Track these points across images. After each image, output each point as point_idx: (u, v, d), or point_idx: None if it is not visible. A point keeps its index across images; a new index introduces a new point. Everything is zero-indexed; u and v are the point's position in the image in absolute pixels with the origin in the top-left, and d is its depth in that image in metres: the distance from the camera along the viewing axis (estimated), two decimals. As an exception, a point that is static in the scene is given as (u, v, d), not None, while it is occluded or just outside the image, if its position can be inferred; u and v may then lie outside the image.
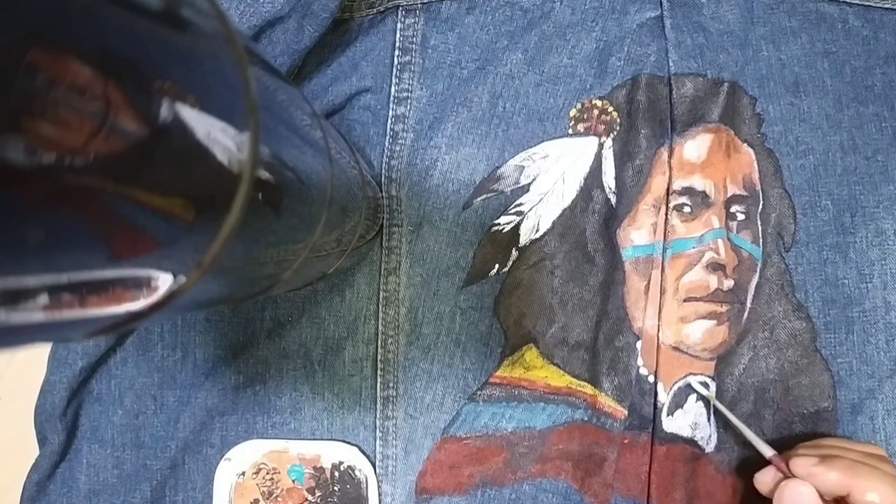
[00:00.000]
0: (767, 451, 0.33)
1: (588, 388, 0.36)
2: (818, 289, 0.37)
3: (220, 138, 0.12)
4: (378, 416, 0.37)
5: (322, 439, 0.37)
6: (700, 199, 0.37)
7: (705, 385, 0.36)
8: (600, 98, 0.38)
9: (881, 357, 0.36)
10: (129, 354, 0.38)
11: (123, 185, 0.11)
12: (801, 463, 0.32)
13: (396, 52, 0.38)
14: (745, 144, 0.38)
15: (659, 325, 0.36)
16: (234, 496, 0.36)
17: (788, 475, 0.32)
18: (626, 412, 0.36)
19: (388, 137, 0.38)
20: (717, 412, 0.36)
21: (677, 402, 0.36)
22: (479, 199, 0.37)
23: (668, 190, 0.37)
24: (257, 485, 0.37)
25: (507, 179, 0.37)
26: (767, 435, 0.36)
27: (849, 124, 0.38)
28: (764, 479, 0.33)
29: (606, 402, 0.36)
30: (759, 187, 0.37)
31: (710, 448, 0.36)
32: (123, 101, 0.10)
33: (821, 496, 0.31)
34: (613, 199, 0.37)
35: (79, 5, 0.09)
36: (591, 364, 0.36)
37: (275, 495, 0.37)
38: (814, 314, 0.37)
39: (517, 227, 0.37)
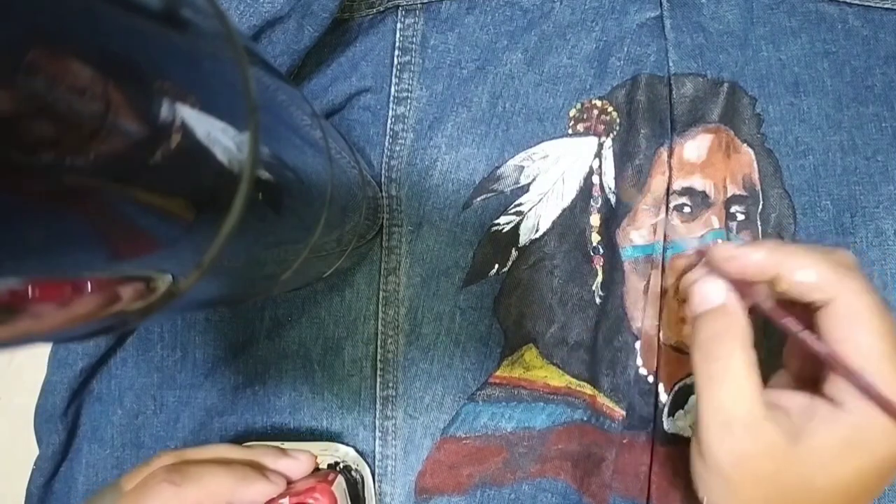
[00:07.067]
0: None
1: (587, 388, 0.36)
2: (818, 289, 0.37)
3: (220, 138, 0.12)
4: (377, 416, 0.37)
5: (321, 439, 0.37)
6: (700, 200, 0.37)
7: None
8: (600, 98, 0.38)
9: (881, 357, 0.36)
10: (129, 354, 0.38)
11: (123, 185, 0.11)
12: (724, 246, 0.27)
13: (396, 52, 0.38)
14: (745, 144, 0.38)
15: (659, 326, 0.36)
16: None
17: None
18: (623, 412, 0.36)
19: (388, 137, 0.38)
20: None
21: (678, 403, 0.36)
22: (478, 199, 0.37)
23: (667, 190, 0.37)
24: None
25: (506, 179, 0.37)
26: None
27: (849, 124, 0.38)
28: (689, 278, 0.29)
29: (605, 402, 0.36)
30: (758, 187, 0.37)
31: (709, 448, 0.36)
32: (123, 101, 0.10)
33: (746, 292, 0.26)
34: (613, 200, 0.37)
35: (79, 5, 0.09)
36: (591, 364, 0.36)
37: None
38: (813, 314, 0.37)
39: (517, 227, 0.37)
